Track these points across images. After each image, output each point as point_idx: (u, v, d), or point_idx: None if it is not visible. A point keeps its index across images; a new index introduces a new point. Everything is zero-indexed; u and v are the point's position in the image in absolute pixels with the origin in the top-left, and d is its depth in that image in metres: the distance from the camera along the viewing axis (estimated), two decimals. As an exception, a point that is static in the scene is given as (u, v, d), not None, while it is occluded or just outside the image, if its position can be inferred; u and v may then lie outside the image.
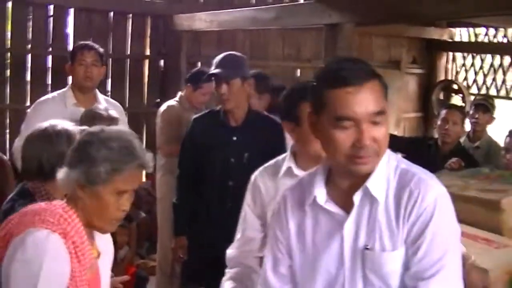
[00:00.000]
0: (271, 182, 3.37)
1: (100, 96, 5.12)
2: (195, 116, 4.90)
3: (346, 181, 2.25)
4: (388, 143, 2.19)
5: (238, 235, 3.47)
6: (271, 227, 2.51)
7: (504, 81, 9.72)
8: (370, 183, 2.17)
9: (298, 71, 9.32)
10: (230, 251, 3.46)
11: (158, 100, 8.11)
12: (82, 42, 5.13)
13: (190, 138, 4.74)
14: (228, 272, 3.41)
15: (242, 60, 4.55)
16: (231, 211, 4.36)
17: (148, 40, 8.65)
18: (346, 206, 2.24)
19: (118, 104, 5.32)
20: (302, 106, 3.09)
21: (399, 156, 2.31)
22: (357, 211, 2.21)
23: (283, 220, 2.42)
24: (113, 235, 3.13)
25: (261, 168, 3.48)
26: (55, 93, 5.16)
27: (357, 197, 2.19)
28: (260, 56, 8.86)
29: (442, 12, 5.27)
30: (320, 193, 2.29)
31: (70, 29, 8.03)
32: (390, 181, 2.20)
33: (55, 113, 4.27)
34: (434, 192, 2.13)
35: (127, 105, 8.23)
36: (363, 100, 2.07)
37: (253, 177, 3.48)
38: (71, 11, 8.01)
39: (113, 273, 3.14)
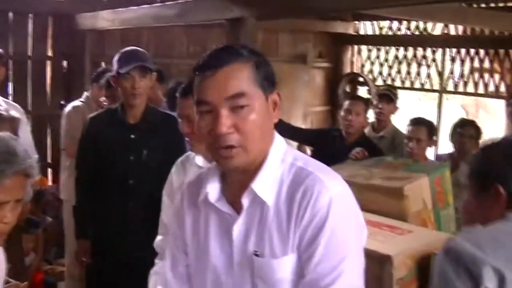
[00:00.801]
0: (181, 171, 3.47)
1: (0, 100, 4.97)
2: (91, 115, 4.78)
3: (233, 177, 2.12)
4: (265, 135, 2.05)
5: (160, 223, 3.55)
6: (171, 224, 2.43)
7: (408, 73, 9.92)
8: (257, 185, 2.03)
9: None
10: (157, 238, 3.53)
11: (63, 102, 7.97)
12: None
13: (87, 138, 4.60)
14: (156, 263, 3.44)
15: (148, 54, 4.49)
16: (133, 210, 4.33)
17: (50, 41, 8.46)
18: (237, 206, 2.10)
19: (18, 106, 5.19)
20: (181, 103, 3.20)
21: (297, 152, 2.17)
22: (247, 213, 2.07)
23: (180, 216, 2.29)
24: (20, 242, 3.11)
25: (180, 158, 3.56)
26: None
27: (245, 200, 2.06)
28: (165, 54, 8.82)
29: (339, 5, 5.33)
30: (212, 189, 2.15)
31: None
32: (283, 181, 2.05)
33: None
34: (329, 193, 1.96)
35: (30, 108, 8.08)
36: (219, 83, 1.95)
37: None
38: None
39: (19, 282, 3.09)
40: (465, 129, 6.04)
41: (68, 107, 6.18)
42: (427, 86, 9.80)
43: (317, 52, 10.35)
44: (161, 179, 4.26)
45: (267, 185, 2.04)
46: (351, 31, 10.39)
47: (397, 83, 9.99)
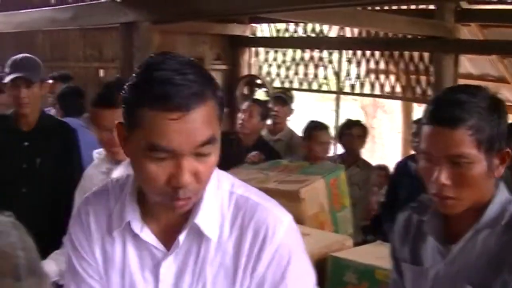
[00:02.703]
0: (97, 172, 3.42)
1: None
2: None
3: (164, 212, 1.76)
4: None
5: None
6: (70, 248, 1.90)
7: (306, 75, 10.04)
8: (200, 220, 1.72)
9: (102, 71, 9.17)
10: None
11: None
12: None
13: None
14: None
15: (38, 62, 4.40)
16: (25, 218, 4.22)
17: None
18: (166, 239, 1.78)
19: None
20: (95, 111, 3.19)
21: (229, 176, 1.84)
22: (182, 250, 1.76)
23: (87, 241, 1.86)
24: None
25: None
26: None
27: (182, 237, 1.74)
28: (60, 57, 8.66)
29: (230, 8, 5.37)
30: (134, 218, 1.78)
31: None
32: (224, 213, 1.76)
33: None
34: (283, 226, 1.73)
35: None
36: (188, 130, 1.57)
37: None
38: None
39: None
40: (353, 130, 6.18)
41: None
42: (324, 88, 9.94)
43: (214, 55, 10.33)
44: (55, 187, 4.23)
45: (211, 219, 1.74)
46: (248, 33, 10.43)
47: (295, 85, 10.10)
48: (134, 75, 1.65)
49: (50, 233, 3.54)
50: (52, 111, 6.08)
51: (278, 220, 1.74)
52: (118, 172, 2.69)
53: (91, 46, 8.98)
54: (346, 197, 4.12)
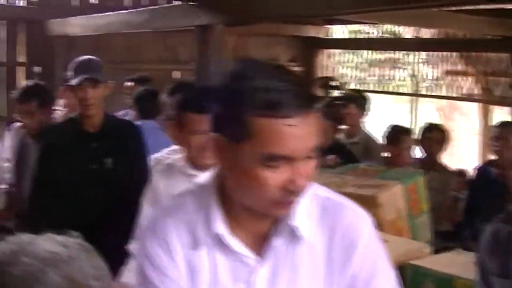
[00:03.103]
0: (166, 180, 3.37)
1: None
2: (44, 126, 4.62)
3: (253, 217, 1.72)
4: None
5: (137, 228, 3.41)
6: (149, 267, 1.79)
7: (381, 76, 9.92)
8: (297, 221, 1.70)
9: (178, 73, 9.22)
10: (133, 243, 3.38)
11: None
12: None
13: (44, 147, 4.39)
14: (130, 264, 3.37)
15: (102, 63, 4.41)
16: (97, 222, 4.23)
17: (21, 47, 8.38)
18: (254, 246, 1.74)
19: None
20: (188, 115, 3.12)
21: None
22: (275, 255, 1.73)
23: (168, 257, 1.77)
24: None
25: (156, 168, 3.51)
26: None
27: (279, 241, 1.72)
28: (136, 60, 8.76)
29: (305, 12, 5.32)
30: (220, 226, 1.73)
31: None
32: (311, 214, 1.75)
33: None
34: (369, 225, 1.77)
35: (6, 114, 8.03)
36: (302, 135, 1.56)
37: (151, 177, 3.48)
38: None
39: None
40: (433, 133, 6.04)
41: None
42: (400, 90, 9.82)
43: (289, 56, 10.32)
44: (125, 186, 4.22)
45: (305, 221, 1.73)
46: (322, 35, 10.37)
47: (370, 87, 10.00)
48: (227, 83, 1.64)
49: (115, 235, 3.62)
50: (129, 113, 6.14)
51: (364, 218, 1.78)
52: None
53: (166, 48, 9.05)
54: (424, 203, 4.03)
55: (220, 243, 1.73)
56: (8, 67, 8.32)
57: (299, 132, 1.55)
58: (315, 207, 1.76)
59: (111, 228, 4.10)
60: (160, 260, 1.76)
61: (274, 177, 1.57)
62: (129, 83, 6.65)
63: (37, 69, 8.44)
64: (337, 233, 1.73)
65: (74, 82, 4.14)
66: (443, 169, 5.96)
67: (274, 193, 1.59)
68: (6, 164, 5.07)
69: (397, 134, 5.59)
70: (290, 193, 1.59)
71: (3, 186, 4.82)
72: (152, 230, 1.81)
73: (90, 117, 4.25)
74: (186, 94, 3.35)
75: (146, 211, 3.42)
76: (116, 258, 4.12)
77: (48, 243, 1.37)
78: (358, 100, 6.96)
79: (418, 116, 9.38)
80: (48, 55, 8.29)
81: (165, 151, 3.90)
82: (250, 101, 1.55)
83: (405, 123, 6.08)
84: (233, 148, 1.61)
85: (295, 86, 1.57)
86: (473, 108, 12.32)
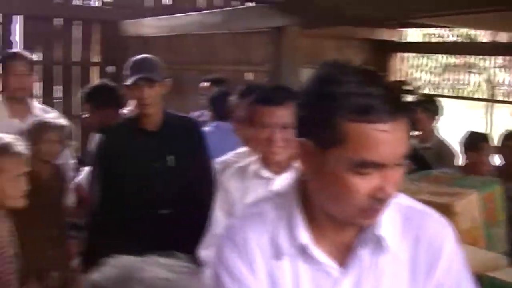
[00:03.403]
0: (239, 183, 3.33)
1: (35, 105, 4.92)
2: (104, 128, 4.60)
3: (337, 226, 1.70)
4: None
5: (208, 235, 3.45)
6: (228, 279, 1.75)
7: (456, 81, 9.76)
8: (383, 231, 1.68)
9: (250, 75, 9.23)
10: (203, 249, 3.40)
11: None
12: (11, 51, 4.94)
13: (103, 149, 4.41)
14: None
15: (159, 62, 4.41)
16: (163, 219, 4.23)
17: (96, 47, 8.50)
18: (339, 256, 1.72)
19: (55, 111, 5.14)
20: (257, 109, 3.13)
21: None
22: (359, 266, 1.71)
23: (248, 268, 1.73)
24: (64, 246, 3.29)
25: (226, 171, 3.47)
26: None
27: (364, 251, 1.69)
28: (209, 61, 8.79)
29: (381, 14, 5.25)
30: (304, 236, 1.69)
31: (17, 37, 7.88)
32: (394, 223, 1.73)
33: None
34: (451, 233, 1.77)
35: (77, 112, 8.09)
36: (395, 141, 1.54)
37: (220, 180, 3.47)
38: (18, 18, 7.87)
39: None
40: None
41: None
42: (475, 95, 9.64)
43: (361, 60, 10.23)
44: (189, 183, 4.20)
45: (390, 231, 1.70)
46: (395, 38, 10.26)
47: (445, 92, 9.85)
48: (316, 87, 1.61)
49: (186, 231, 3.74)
50: (205, 114, 6.16)
51: (448, 228, 1.78)
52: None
53: (240, 49, 9.06)
54: (501, 213, 3.92)
55: (303, 253, 1.70)
56: (82, 66, 8.44)
57: (390, 138, 1.53)
58: (398, 216, 1.74)
59: (177, 226, 4.13)
60: (240, 271, 1.73)
61: (364, 184, 1.55)
62: (205, 84, 6.66)
63: (110, 69, 8.54)
64: (421, 242, 1.71)
65: (129, 81, 4.17)
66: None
67: (362, 201, 1.57)
68: (72, 161, 5.12)
69: (476, 141, 5.48)
70: (379, 201, 1.57)
71: (73, 184, 4.87)
72: (230, 240, 1.77)
73: (148, 116, 4.26)
74: (257, 92, 3.34)
75: (219, 217, 3.40)
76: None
77: (157, 269, 1.32)
78: (428, 105, 6.85)
79: (493, 121, 9.19)
80: (121, 56, 8.37)
81: (232, 153, 3.89)
82: (342, 105, 1.53)
83: (480, 129, 5.94)
84: (321, 154, 1.59)
85: (387, 91, 1.55)
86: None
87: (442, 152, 6.38)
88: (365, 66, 1.64)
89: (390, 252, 1.70)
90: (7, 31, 7.81)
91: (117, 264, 1.32)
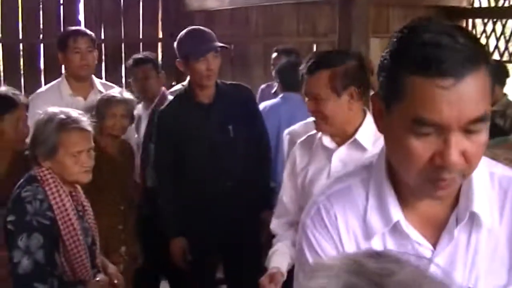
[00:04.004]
0: (305, 153, 3.32)
1: (97, 82, 4.94)
2: (161, 108, 4.63)
3: (423, 201, 1.59)
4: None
5: (277, 203, 3.50)
6: (308, 265, 1.69)
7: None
8: (478, 207, 1.55)
9: (314, 46, 9.15)
10: (273, 222, 3.47)
11: (174, 83, 7.99)
12: (72, 28, 4.93)
13: (162, 128, 4.45)
14: (274, 244, 3.39)
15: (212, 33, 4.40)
16: (230, 189, 4.23)
17: (160, 23, 8.49)
18: (430, 234, 1.61)
19: (116, 87, 5.16)
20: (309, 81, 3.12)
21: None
22: (452, 245, 1.60)
23: (336, 249, 1.66)
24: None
25: (299, 139, 3.43)
26: (48, 85, 5.00)
27: (457, 229, 1.58)
28: (274, 33, 8.72)
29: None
30: (397, 213, 1.60)
31: (81, 16, 7.92)
32: (490, 195, 1.59)
33: (50, 105, 4.04)
34: None
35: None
36: (460, 101, 1.37)
37: (293, 147, 3.44)
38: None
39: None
40: None
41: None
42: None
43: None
44: (254, 151, 4.28)
45: (485, 205, 1.57)
46: (465, 4, 10.03)
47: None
48: (394, 39, 1.47)
49: (254, 201, 3.96)
50: (273, 85, 6.13)
51: None
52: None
53: (304, 21, 8.97)
54: None
55: (394, 231, 1.61)
56: (146, 44, 8.41)
57: (455, 97, 1.37)
58: (495, 188, 1.60)
59: (244, 194, 4.14)
60: (328, 252, 1.65)
61: (423, 147, 1.42)
62: (274, 55, 6.59)
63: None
64: None
65: (199, 54, 4.15)
66: None
67: (422, 167, 1.43)
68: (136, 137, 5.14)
69: None
70: (440, 169, 1.42)
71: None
72: (316, 218, 1.69)
73: (207, 88, 4.26)
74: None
75: (287, 186, 3.42)
76: (248, 228, 4.20)
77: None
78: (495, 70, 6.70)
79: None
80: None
81: (301, 123, 3.85)
82: (407, 56, 1.41)
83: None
84: (387, 111, 1.50)
85: (462, 44, 1.38)
86: None
87: (507, 112, 6.25)
88: (452, 23, 1.46)
89: (487, 229, 1.58)
90: (71, 11, 7.84)
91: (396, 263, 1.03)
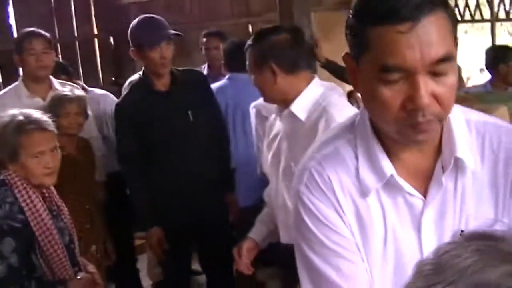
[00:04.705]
0: (263, 124, 3.59)
1: (55, 82, 4.88)
2: (119, 99, 4.62)
3: (407, 152, 1.63)
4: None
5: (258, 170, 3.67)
6: (313, 222, 1.69)
7: (456, 5, 9.64)
8: (461, 153, 1.59)
9: (250, 26, 9.18)
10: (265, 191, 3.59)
11: (113, 78, 7.98)
12: (27, 30, 4.89)
13: (123, 119, 4.42)
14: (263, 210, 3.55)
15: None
16: (197, 171, 4.28)
17: (94, 19, 8.44)
18: (419, 185, 1.65)
19: (75, 85, 5.13)
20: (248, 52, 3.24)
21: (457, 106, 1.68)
22: (441, 193, 1.63)
23: (335, 212, 1.67)
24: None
25: (257, 115, 3.69)
26: (6, 89, 4.93)
27: (444, 177, 1.61)
28: (210, 17, 8.73)
29: None
30: (388, 167, 1.62)
31: (11, 20, 7.81)
32: (469, 142, 1.63)
33: (9, 109, 3.99)
34: None
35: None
36: (421, 43, 1.41)
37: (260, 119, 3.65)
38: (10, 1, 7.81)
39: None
40: None
41: (127, 83, 6.06)
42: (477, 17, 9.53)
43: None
44: (213, 133, 4.37)
45: (467, 150, 1.61)
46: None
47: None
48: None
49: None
50: (204, 68, 6.30)
51: None
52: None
53: (238, 2, 9.00)
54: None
55: (387, 184, 1.63)
56: (82, 41, 8.35)
57: (414, 40, 1.41)
58: (472, 133, 1.65)
59: (208, 177, 4.21)
60: (326, 216, 1.67)
61: (392, 94, 1.46)
62: (204, 39, 6.62)
63: (111, 39, 8.50)
64: (500, 155, 1.63)
65: (152, 43, 4.16)
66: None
67: (397, 114, 1.47)
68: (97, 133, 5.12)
69: (504, 53, 5.60)
70: (413, 112, 1.45)
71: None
72: (310, 183, 1.69)
73: (163, 75, 4.30)
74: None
75: (264, 152, 3.55)
76: (217, 209, 4.26)
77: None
78: None
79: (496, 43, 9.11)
80: (121, 24, 8.32)
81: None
82: (366, 11, 1.47)
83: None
84: (358, 66, 1.54)
85: None
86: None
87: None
88: None
89: (471, 172, 1.62)
90: (1, 16, 7.74)
91: None
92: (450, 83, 1.47)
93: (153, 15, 4.38)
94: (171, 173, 4.31)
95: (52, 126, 3.31)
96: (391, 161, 1.63)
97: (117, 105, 4.50)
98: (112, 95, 5.43)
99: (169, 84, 4.34)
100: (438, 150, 1.63)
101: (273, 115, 3.39)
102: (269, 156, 3.38)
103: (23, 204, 3.12)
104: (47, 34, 4.78)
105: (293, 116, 3.15)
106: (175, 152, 4.31)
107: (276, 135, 3.32)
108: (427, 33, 1.42)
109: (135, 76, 5.83)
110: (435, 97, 1.46)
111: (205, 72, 6.05)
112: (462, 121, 1.64)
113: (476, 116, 1.70)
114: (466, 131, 1.64)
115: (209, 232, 4.39)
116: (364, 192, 1.65)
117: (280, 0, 5.54)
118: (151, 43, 4.14)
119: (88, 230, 4.33)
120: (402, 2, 1.41)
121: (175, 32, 4.26)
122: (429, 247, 1.51)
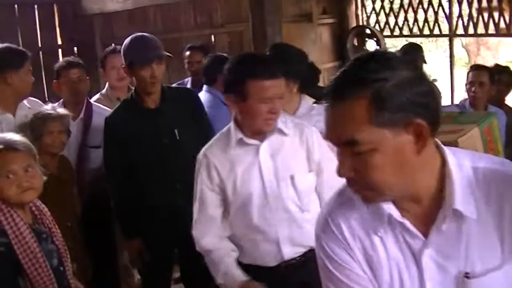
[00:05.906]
0: (223, 156, 3.33)
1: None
2: (108, 116, 4.60)
3: (414, 201, 1.80)
4: (407, 171, 1.71)
5: (196, 215, 3.44)
6: (331, 265, 1.93)
7: (415, 20, 9.85)
8: (459, 205, 1.74)
9: (213, 37, 9.23)
10: (195, 232, 3.44)
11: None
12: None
13: (112, 136, 4.45)
14: (207, 258, 3.44)
15: (158, 40, 4.45)
16: (182, 191, 4.30)
17: (58, 29, 8.35)
18: (421, 227, 1.81)
19: (39, 101, 5.07)
20: (249, 83, 3.11)
21: (467, 151, 1.88)
22: (442, 234, 1.78)
23: (347, 254, 1.89)
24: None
25: (207, 146, 3.43)
26: None
27: (448, 224, 1.76)
28: (173, 29, 8.74)
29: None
30: (391, 208, 1.81)
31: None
32: (474, 190, 1.77)
33: None
34: None
35: (47, 99, 7.95)
36: (332, 122, 1.72)
37: (201, 155, 3.41)
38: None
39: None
40: (502, 76, 6.07)
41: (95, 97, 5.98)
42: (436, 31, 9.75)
43: (321, 9, 10.29)
44: (198, 151, 4.30)
45: (468, 199, 1.75)
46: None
47: (405, 32, 9.97)
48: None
49: None
50: (185, 82, 6.26)
51: None
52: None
53: (201, 14, 9.04)
54: (499, 143, 4.06)
55: (389, 224, 1.83)
56: (45, 52, 8.25)
57: (330, 119, 1.72)
58: (479, 181, 1.78)
59: (192, 194, 4.23)
60: (342, 259, 1.90)
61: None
62: (187, 52, 6.65)
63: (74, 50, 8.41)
64: (506, 205, 1.75)
65: (142, 61, 4.21)
66: (509, 110, 5.98)
67: None
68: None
69: (476, 72, 5.74)
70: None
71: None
72: (327, 229, 1.93)
73: (153, 93, 4.34)
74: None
75: (210, 199, 3.43)
76: None
77: None
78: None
79: (446, 56, 9.32)
80: (85, 35, 8.30)
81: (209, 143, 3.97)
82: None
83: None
84: None
85: (339, 77, 1.70)
86: (500, 43, 12.19)
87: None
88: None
89: (474, 220, 1.75)
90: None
91: None
92: (370, 162, 1.68)
93: (147, 35, 4.41)
94: (155, 188, 4.37)
95: (24, 146, 3.22)
96: (397, 208, 1.81)
97: (107, 119, 4.51)
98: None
99: (158, 101, 4.39)
100: (443, 200, 1.77)
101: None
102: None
103: (7, 227, 3.05)
104: (21, 49, 4.73)
105: (280, 133, 3.29)
106: (160, 169, 4.36)
107: (249, 166, 3.32)
108: (334, 116, 1.70)
109: (97, 96, 5.84)
110: (356, 171, 1.70)
111: (188, 85, 6.10)
112: (469, 170, 1.78)
113: (484, 163, 1.81)
114: (472, 180, 1.77)
115: (191, 245, 4.43)
116: (370, 234, 1.86)
117: (252, 11, 5.59)
118: (142, 62, 4.18)
119: (69, 249, 4.32)
120: (331, 86, 1.71)
121: (166, 53, 4.30)
122: (432, 285, 1.80)
